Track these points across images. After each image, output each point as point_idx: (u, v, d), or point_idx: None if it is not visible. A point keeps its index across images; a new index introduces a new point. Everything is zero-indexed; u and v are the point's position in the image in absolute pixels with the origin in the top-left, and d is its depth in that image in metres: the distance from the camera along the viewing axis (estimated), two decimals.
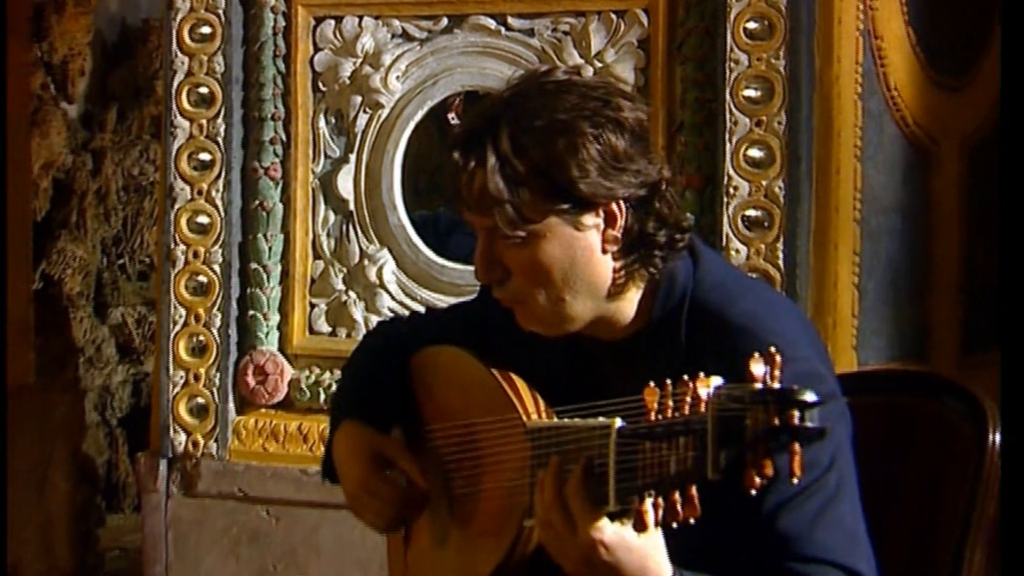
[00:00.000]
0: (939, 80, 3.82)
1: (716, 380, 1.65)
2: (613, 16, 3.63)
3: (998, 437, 2.07)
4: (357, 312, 3.86)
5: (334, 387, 3.79)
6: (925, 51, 3.73)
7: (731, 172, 3.47)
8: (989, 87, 4.01)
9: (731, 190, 3.47)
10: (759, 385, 1.60)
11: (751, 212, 3.47)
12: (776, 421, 1.57)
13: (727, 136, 3.48)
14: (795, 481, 1.60)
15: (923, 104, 3.74)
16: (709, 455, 1.61)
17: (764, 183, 3.46)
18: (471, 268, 3.67)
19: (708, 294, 2.00)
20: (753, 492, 1.60)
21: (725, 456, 1.60)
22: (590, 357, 2.07)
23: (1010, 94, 2.96)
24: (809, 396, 1.57)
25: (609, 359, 2.05)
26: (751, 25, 3.47)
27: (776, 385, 1.60)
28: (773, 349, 1.62)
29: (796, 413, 1.57)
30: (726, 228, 3.47)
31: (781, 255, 3.45)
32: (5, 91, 4.90)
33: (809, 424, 1.57)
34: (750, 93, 3.47)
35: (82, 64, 6.35)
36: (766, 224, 3.46)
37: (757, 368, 1.61)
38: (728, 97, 3.47)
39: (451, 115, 4.05)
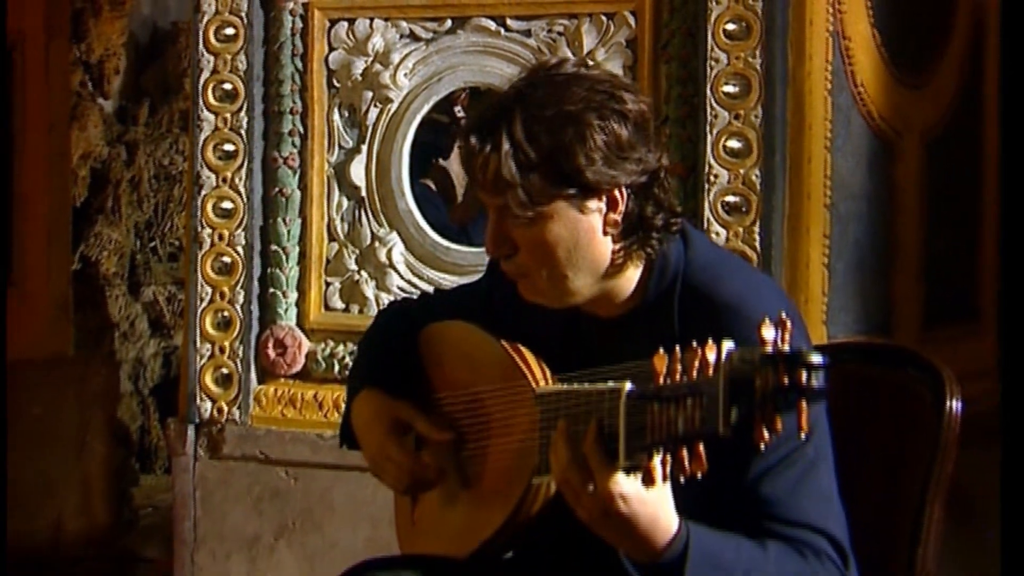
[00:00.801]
0: (902, 78, 3.80)
1: (728, 344, 1.63)
2: (603, 18, 3.62)
3: (956, 404, 2.07)
4: (369, 290, 3.85)
5: (348, 359, 3.79)
6: (889, 51, 3.71)
7: (712, 162, 3.46)
8: (947, 84, 4.00)
9: (712, 178, 3.46)
10: (769, 348, 1.58)
11: (730, 198, 3.46)
12: (786, 381, 1.55)
13: (708, 128, 3.46)
14: (803, 436, 1.60)
15: (887, 99, 3.72)
16: (720, 412, 1.59)
17: (742, 172, 3.44)
18: (473, 250, 3.70)
19: (699, 274, 1.98)
20: (762, 446, 1.59)
21: (736, 413, 1.58)
22: (588, 333, 2.05)
23: (1011, 90, 2.94)
24: (816, 358, 1.55)
25: (605, 335, 2.03)
26: (730, 26, 3.45)
27: (786, 348, 1.58)
28: (783, 314, 1.61)
29: (804, 373, 1.55)
30: (707, 213, 3.45)
31: (758, 238, 3.44)
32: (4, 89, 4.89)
33: (816, 384, 1.55)
34: (729, 89, 3.45)
35: (117, 63, 6.35)
36: (744, 209, 3.45)
37: (768, 332, 1.59)
38: (709, 93, 3.46)
39: (457, 108, 4.02)
